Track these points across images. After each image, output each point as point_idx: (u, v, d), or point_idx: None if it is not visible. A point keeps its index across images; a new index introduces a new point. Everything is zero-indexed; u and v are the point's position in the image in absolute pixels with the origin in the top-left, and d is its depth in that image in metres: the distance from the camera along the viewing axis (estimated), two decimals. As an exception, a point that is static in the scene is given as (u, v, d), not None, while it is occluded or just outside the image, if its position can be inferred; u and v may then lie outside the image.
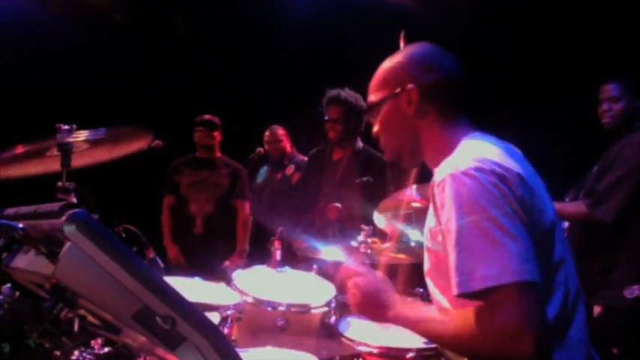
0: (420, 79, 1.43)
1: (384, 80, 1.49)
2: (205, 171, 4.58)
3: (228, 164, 4.66)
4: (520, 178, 1.25)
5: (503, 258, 1.15)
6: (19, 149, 2.01)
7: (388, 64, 1.50)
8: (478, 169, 1.22)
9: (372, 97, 1.51)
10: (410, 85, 1.43)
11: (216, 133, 4.59)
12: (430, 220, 1.37)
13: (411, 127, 1.45)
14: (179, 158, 4.67)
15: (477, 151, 1.30)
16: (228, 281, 2.74)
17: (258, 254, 4.47)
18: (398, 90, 1.44)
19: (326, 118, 3.82)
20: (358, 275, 1.45)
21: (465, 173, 1.22)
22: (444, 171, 1.27)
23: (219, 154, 4.67)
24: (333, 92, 3.85)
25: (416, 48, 1.49)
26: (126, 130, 2.12)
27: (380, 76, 1.51)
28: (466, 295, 1.18)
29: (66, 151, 2.06)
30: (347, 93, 3.81)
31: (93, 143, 2.04)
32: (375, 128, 1.53)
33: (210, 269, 3.82)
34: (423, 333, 1.34)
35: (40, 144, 2.00)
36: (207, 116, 4.60)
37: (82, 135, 1.96)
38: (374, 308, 1.41)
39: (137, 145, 2.25)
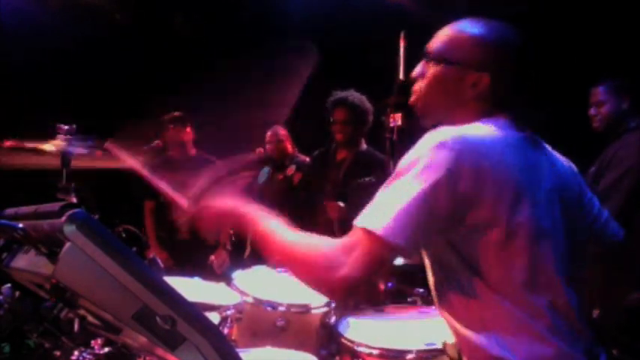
0: (497, 72, 1.39)
1: (464, 44, 1.42)
2: (182, 172, 4.48)
3: (205, 161, 4.52)
4: (491, 167, 1.25)
5: (388, 215, 1.21)
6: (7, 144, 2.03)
7: (479, 30, 1.42)
8: (442, 144, 1.24)
9: (441, 49, 1.44)
10: (486, 74, 1.39)
11: (187, 129, 4.48)
12: None
13: (456, 101, 1.43)
14: (152, 161, 4.43)
15: (465, 131, 1.29)
16: (228, 281, 2.74)
17: (259, 254, 4.47)
18: (472, 67, 1.40)
19: (332, 119, 3.82)
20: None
21: (434, 143, 1.25)
22: (429, 136, 1.29)
23: (194, 151, 4.57)
24: (342, 94, 3.84)
25: (512, 35, 1.43)
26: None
27: (464, 36, 1.43)
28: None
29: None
30: (354, 95, 3.81)
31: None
32: (417, 71, 1.49)
33: (199, 269, 3.77)
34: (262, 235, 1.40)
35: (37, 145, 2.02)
36: (175, 113, 4.50)
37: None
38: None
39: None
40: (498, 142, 1.30)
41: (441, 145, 1.23)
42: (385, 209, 1.22)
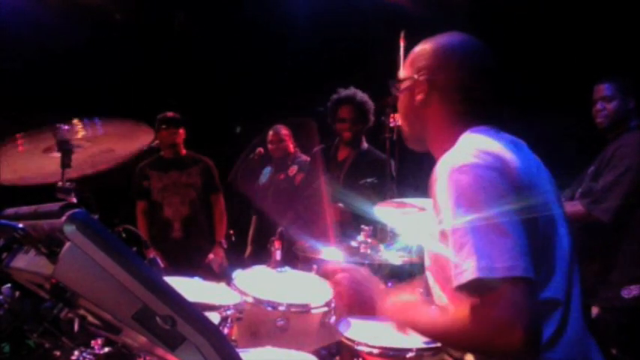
0: (435, 72, 1.45)
1: (411, 61, 1.53)
2: (174, 172, 4.50)
3: (196, 161, 4.58)
4: (518, 172, 1.27)
5: (495, 253, 1.17)
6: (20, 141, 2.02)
7: (421, 46, 1.52)
8: (475, 165, 1.24)
9: (400, 73, 1.55)
10: (422, 77, 1.46)
11: (180, 130, 4.49)
12: (433, 216, 1.38)
13: (417, 113, 1.50)
14: (144, 161, 4.53)
15: (475, 145, 1.31)
16: (228, 281, 2.74)
17: (259, 254, 4.48)
18: (415, 76, 1.48)
19: (338, 118, 3.81)
20: (341, 272, 1.55)
21: (460, 169, 1.24)
22: (442, 167, 1.29)
23: (185, 152, 4.59)
24: (348, 92, 3.83)
25: (449, 39, 1.50)
26: (126, 125, 2.13)
27: (411, 56, 1.54)
28: (460, 288, 1.20)
29: (66, 150, 2.07)
30: (360, 94, 3.81)
31: (92, 139, 2.04)
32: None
33: (195, 268, 3.78)
34: (414, 328, 1.39)
35: (39, 137, 2.01)
36: (169, 113, 4.50)
37: (79, 130, 1.97)
38: (362, 304, 1.50)
39: (138, 143, 2.24)
40: (507, 149, 1.32)
41: (462, 171, 1.24)
42: (486, 253, 1.18)
